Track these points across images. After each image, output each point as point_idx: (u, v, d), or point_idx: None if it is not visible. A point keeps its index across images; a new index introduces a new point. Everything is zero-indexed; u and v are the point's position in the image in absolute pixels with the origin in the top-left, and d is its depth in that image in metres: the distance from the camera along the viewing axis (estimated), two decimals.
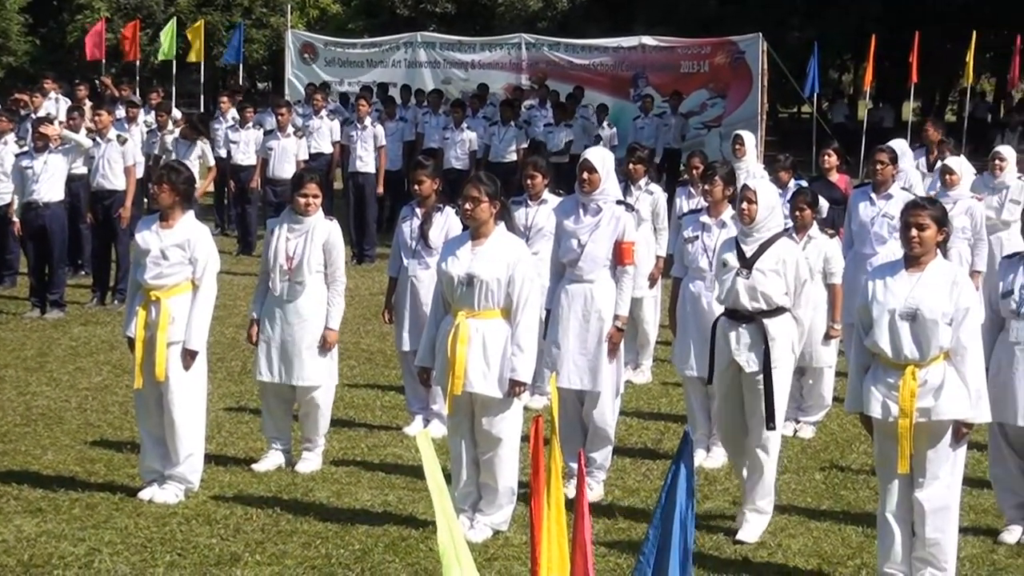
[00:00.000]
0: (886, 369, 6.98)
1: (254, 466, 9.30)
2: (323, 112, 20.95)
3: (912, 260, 7.03)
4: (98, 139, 15.37)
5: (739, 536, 7.99)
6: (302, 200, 9.08)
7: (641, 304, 11.95)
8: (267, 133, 19.59)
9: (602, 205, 8.68)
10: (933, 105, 45.79)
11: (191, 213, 8.68)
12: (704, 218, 9.66)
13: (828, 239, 10.41)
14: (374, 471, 9.32)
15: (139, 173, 15.82)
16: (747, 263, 7.94)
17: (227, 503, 8.55)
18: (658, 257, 12.01)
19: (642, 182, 11.96)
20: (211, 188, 20.67)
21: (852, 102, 42.83)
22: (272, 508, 8.44)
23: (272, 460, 9.36)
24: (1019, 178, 13.19)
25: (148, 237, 8.57)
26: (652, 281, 12.06)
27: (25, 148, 15.35)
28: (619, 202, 8.80)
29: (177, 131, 19.10)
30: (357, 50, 27.27)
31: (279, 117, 19.25)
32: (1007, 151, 13.41)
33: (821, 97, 34.63)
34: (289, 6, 33.83)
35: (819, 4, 35.22)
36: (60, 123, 16.57)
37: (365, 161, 19.49)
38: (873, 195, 11.50)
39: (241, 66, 33.18)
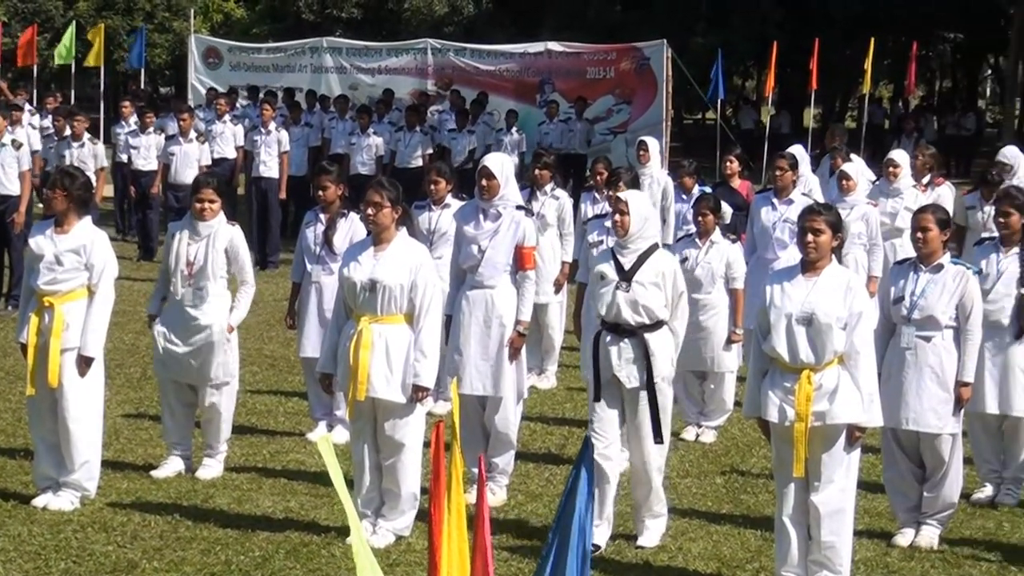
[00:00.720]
0: (783, 373, 7.05)
1: (153, 472, 9.21)
2: (226, 117, 20.78)
3: (808, 265, 7.11)
4: None
5: (640, 542, 8.02)
6: (198, 205, 9.02)
7: (546, 309, 11.98)
8: (169, 138, 19.43)
9: (502, 210, 8.71)
10: (834, 111, 46.40)
11: (88, 219, 8.57)
12: (609, 223, 9.68)
13: (730, 244, 10.51)
14: (276, 477, 9.26)
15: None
16: (626, 276, 7.78)
17: (125, 510, 8.44)
18: (563, 262, 12.06)
19: (548, 187, 12.02)
20: (110, 193, 20.42)
21: (758, 108, 43.32)
22: (171, 515, 8.35)
23: (172, 466, 9.27)
24: (913, 187, 13.36)
25: (42, 242, 8.46)
26: (557, 286, 12.10)
27: None
28: (519, 207, 8.82)
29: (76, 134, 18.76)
30: (262, 55, 27.08)
31: (181, 122, 19.09)
32: (901, 157, 13.58)
33: (725, 103, 34.98)
34: (192, 11, 33.53)
35: (723, 11, 35.56)
36: None
37: (269, 166, 19.38)
38: (775, 200, 11.61)
39: (143, 71, 32.80)
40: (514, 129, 23.05)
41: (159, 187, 19.07)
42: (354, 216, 9.89)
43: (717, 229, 10.49)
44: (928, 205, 8.72)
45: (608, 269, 7.83)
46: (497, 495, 8.78)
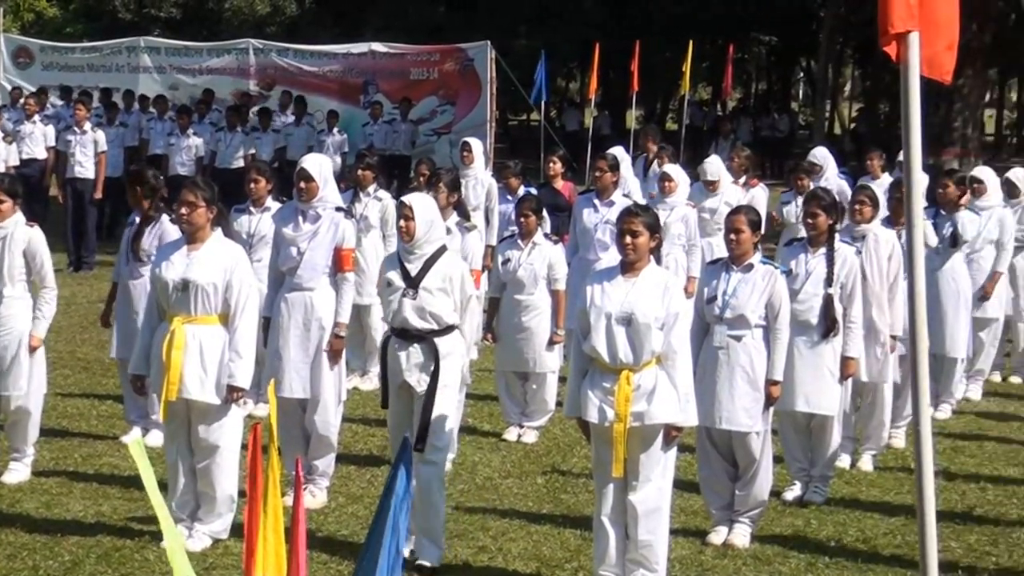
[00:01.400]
0: (602, 374, 7.10)
1: None
2: (36, 117, 20.29)
3: (628, 266, 7.18)
4: None
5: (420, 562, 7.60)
6: None
7: (370, 311, 11.92)
8: None
9: (321, 212, 8.65)
10: (655, 113, 47.10)
11: None
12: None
13: (552, 245, 10.58)
14: (88, 481, 9.05)
15: None
16: (412, 282, 7.63)
17: None
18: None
19: (371, 188, 11.97)
20: None
21: (582, 110, 43.76)
22: None
23: None
24: (733, 183, 13.70)
25: None
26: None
27: None
28: (338, 208, 8.77)
29: None
30: (76, 55, 26.58)
31: None
32: (715, 167, 13.98)
33: (550, 105, 35.24)
34: (1, 9, 32.59)
35: (545, 12, 35.84)
36: None
37: (85, 167, 18.91)
38: (596, 201, 11.73)
39: None
40: (335, 130, 22.94)
41: None
42: (164, 218, 9.74)
43: (539, 230, 10.55)
44: (741, 207, 8.85)
45: (395, 276, 7.68)
46: (317, 497, 8.71)
